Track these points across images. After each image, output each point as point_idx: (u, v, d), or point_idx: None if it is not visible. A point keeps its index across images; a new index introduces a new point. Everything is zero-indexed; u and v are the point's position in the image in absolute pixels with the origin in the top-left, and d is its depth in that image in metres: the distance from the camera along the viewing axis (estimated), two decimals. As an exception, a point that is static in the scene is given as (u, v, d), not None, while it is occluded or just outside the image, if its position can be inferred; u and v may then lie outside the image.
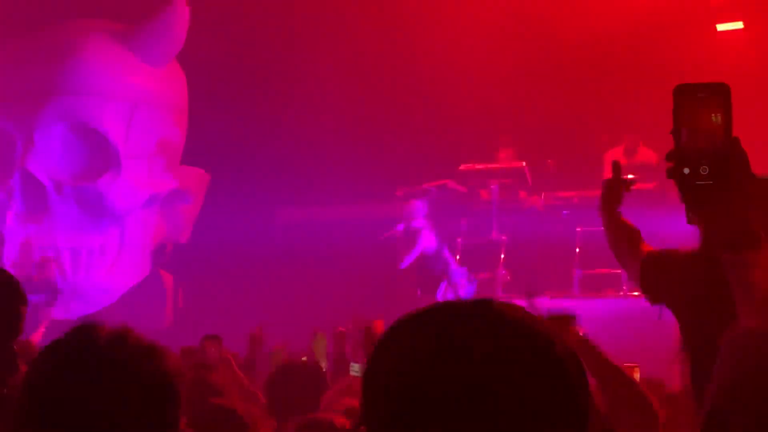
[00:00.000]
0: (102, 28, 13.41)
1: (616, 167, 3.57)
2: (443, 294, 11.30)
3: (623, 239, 3.47)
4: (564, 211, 11.96)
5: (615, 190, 3.53)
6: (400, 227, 11.69)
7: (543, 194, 12.20)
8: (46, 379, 1.71)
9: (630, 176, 10.10)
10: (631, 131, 12.18)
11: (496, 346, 1.12)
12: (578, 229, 11.48)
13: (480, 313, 1.16)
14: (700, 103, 1.82)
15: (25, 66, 12.94)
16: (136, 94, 13.02)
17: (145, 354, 1.72)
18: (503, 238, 11.77)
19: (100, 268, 12.81)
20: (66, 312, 11.84)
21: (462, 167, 12.21)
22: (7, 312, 2.42)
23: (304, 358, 6.85)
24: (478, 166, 12.19)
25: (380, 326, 6.50)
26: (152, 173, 13.18)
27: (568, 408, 1.13)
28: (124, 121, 12.87)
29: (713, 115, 1.81)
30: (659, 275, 3.19)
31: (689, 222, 1.90)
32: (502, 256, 11.67)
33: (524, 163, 12.02)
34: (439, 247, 11.61)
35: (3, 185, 12.82)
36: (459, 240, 12.18)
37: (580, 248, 11.44)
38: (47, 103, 12.64)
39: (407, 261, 11.65)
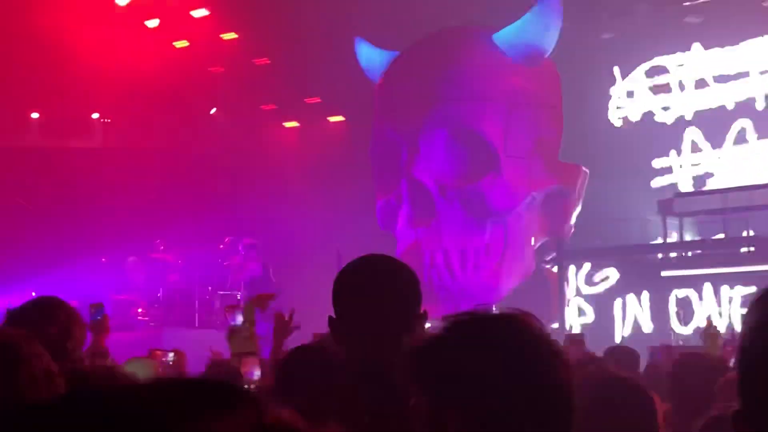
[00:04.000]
0: (476, 33, 13.75)
1: None
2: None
3: None
4: None
5: None
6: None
7: None
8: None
9: None
10: None
11: None
12: None
13: None
14: None
15: (407, 77, 13.55)
16: (512, 95, 13.21)
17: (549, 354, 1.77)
18: None
19: (486, 267, 13.10)
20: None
21: None
22: None
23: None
24: None
25: None
26: (532, 172, 13.29)
27: None
28: (502, 122, 13.10)
29: None
30: None
31: None
32: None
33: None
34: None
35: (393, 191, 13.49)
36: None
37: None
38: (429, 110, 13.15)
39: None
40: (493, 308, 1.93)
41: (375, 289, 2.71)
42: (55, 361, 2.84)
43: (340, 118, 18.58)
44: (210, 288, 15.96)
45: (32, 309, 3.06)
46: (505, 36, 13.28)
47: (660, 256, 15.29)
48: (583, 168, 13.93)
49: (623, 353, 6.44)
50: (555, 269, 14.60)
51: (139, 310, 15.72)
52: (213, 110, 19.00)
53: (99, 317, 5.04)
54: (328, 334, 4.78)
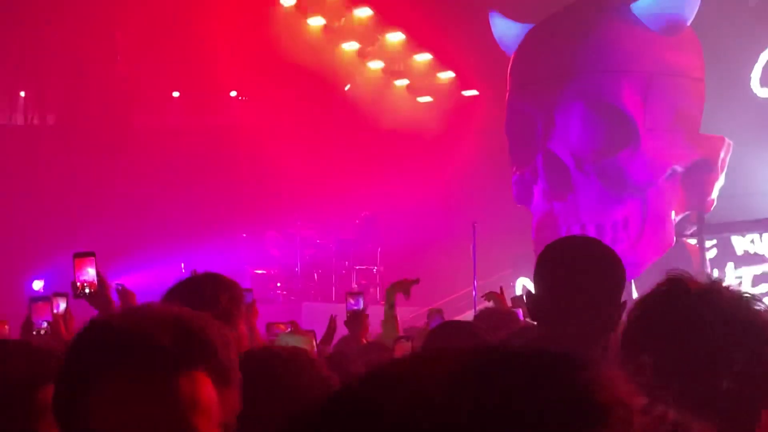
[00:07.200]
0: (614, 3, 13.47)
1: None
2: None
3: None
4: None
5: None
6: None
7: None
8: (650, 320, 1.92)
9: None
10: None
11: None
12: None
13: None
14: None
15: (543, 49, 13.40)
16: (651, 66, 12.92)
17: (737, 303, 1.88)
18: None
19: (624, 241, 12.88)
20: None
21: None
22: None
23: None
24: None
25: None
26: (672, 144, 12.98)
27: None
28: (641, 94, 12.83)
29: None
30: None
31: None
32: None
33: None
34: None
35: (528, 165, 13.38)
36: None
37: None
38: (566, 83, 12.97)
39: None
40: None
41: (581, 270, 2.60)
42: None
43: (474, 93, 18.51)
44: (347, 263, 16.17)
45: (204, 279, 3.20)
46: (644, 5, 12.96)
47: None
48: (727, 140, 13.51)
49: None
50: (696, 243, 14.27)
51: (278, 284, 16.05)
52: (347, 87, 19.16)
53: (248, 301, 5.14)
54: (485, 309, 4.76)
